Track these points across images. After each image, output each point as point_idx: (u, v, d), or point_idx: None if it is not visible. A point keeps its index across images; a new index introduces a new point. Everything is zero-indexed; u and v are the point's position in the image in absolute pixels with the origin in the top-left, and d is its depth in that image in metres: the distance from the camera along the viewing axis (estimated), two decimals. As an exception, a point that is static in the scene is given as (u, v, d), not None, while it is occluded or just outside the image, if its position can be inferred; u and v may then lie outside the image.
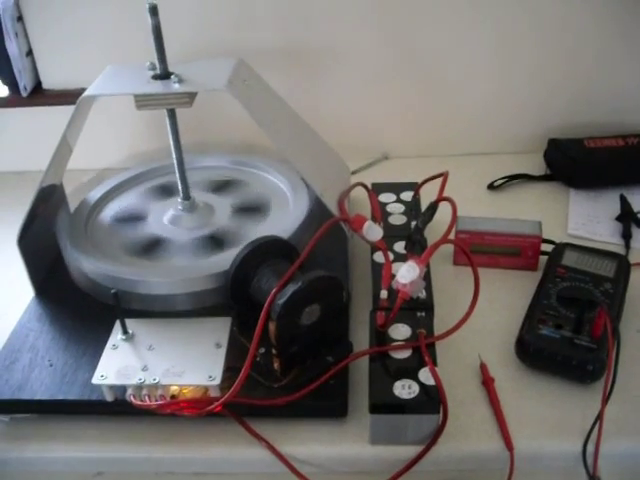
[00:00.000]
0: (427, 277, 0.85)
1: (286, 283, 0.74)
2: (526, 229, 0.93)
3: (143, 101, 0.80)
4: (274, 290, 0.73)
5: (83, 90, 1.16)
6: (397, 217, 0.95)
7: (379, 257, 0.88)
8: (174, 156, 0.88)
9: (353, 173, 1.13)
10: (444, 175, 0.87)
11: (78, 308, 0.88)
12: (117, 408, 0.76)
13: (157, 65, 0.82)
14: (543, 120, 1.20)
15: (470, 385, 0.79)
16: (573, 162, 1.10)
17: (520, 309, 0.87)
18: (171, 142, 0.87)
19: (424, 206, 0.95)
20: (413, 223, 0.92)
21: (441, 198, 0.84)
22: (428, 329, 0.77)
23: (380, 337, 0.77)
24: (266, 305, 0.72)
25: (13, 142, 1.26)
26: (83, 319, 0.86)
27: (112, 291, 0.75)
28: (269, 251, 0.79)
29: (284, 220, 0.90)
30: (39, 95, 1.17)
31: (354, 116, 1.20)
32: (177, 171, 0.89)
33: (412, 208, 0.96)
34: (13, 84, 1.15)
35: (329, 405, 0.75)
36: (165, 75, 0.81)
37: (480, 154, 1.22)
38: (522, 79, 1.17)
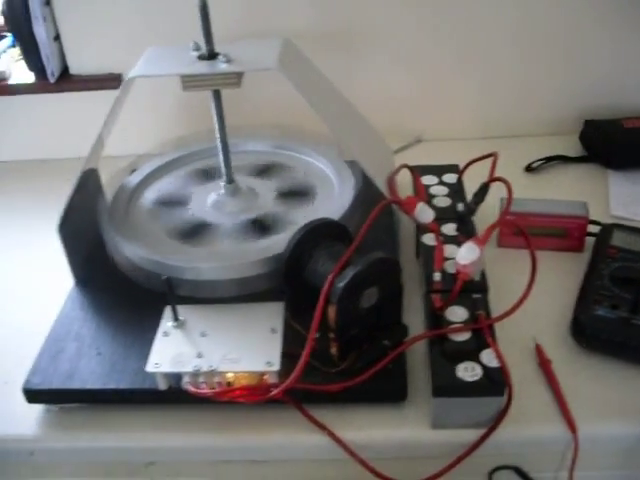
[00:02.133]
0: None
1: (344, 266, 0.72)
2: (572, 210, 0.92)
3: (190, 82, 0.78)
4: (333, 273, 0.71)
5: (112, 75, 1.15)
6: (441, 199, 0.93)
7: (428, 239, 0.86)
8: (218, 139, 0.86)
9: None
10: (494, 156, 0.86)
11: (121, 295, 0.86)
12: (171, 396, 0.74)
13: (201, 45, 0.80)
14: (577, 101, 1.18)
15: (526, 367, 0.78)
16: (612, 143, 1.09)
17: (569, 291, 0.86)
18: (215, 124, 0.85)
19: (467, 188, 0.94)
20: (459, 205, 0.91)
21: (493, 178, 0.83)
22: (486, 311, 0.76)
23: (437, 320, 0.76)
24: (325, 288, 0.71)
25: (39, 129, 1.24)
26: (127, 306, 0.84)
27: (164, 277, 0.73)
28: (323, 234, 0.78)
29: (331, 203, 0.88)
30: (66, 81, 1.14)
31: (387, 98, 1.18)
32: (221, 154, 0.87)
33: (456, 190, 0.94)
34: (40, 70, 1.12)
35: (389, 389, 0.74)
36: (212, 55, 0.79)
37: (513, 136, 1.20)
38: (556, 60, 1.15)
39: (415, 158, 1.09)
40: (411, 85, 1.19)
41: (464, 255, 0.74)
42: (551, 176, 1.10)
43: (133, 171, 1.01)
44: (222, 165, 0.88)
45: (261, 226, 0.87)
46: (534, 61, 1.16)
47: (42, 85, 1.13)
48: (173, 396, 0.74)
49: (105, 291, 0.87)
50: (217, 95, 0.83)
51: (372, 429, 0.73)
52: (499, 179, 0.81)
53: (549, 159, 1.11)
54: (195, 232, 0.87)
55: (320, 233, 0.78)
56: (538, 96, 1.19)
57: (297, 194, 0.93)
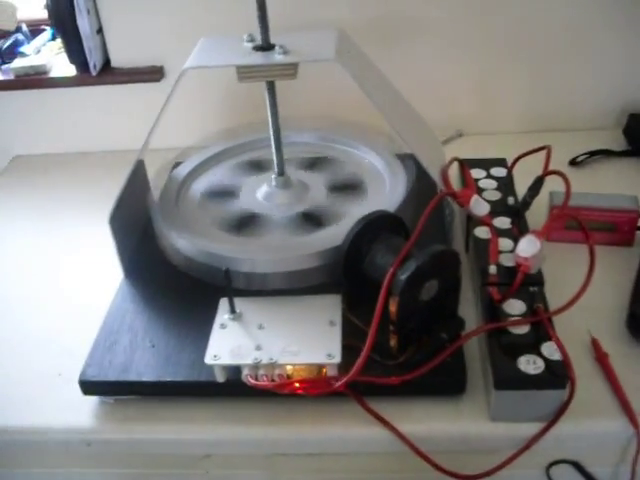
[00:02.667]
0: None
1: (404, 258, 0.72)
2: (623, 204, 0.91)
3: (246, 73, 0.77)
4: (394, 265, 0.71)
5: (154, 68, 1.15)
6: (491, 193, 0.93)
7: (480, 232, 0.86)
8: (271, 130, 0.86)
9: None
10: (547, 149, 0.85)
11: (171, 287, 0.86)
12: (228, 389, 0.74)
13: (256, 36, 0.80)
14: (621, 95, 1.17)
15: (583, 361, 0.77)
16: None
17: (620, 285, 0.85)
18: (269, 116, 0.85)
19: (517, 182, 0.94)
20: (510, 199, 0.91)
21: (549, 171, 0.82)
22: (543, 304, 0.76)
23: (494, 313, 0.76)
24: (387, 281, 0.70)
25: (80, 122, 1.24)
26: (178, 298, 0.84)
27: (224, 268, 0.73)
28: (380, 226, 0.77)
29: (383, 196, 0.88)
30: (108, 73, 1.14)
31: (429, 90, 1.17)
32: (273, 146, 0.87)
33: (505, 183, 0.94)
34: (81, 62, 1.12)
35: (448, 382, 0.74)
36: (268, 46, 0.79)
37: (555, 130, 1.20)
38: (600, 54, 1.15)
39: (458, 152, 1.09)
40: (453, 77, 1.18)
41: (525, 248, 0.73)
42: (595, 170, 1.09)
43: (177, 164, 1.00)
44: (274, 157, 0.88)
45: (313, 219, 0.87)
46: (578, 55, 1.15)
47: (83, 78, 1.13)
48: (230, 389, 0.74)
49: (155, 283, 0.87)
50: (271, 86, 0.83)
51: (431, 422, 0.73)
52: (555, 172, 0.80)
53: (593, 153, 1.10)
54: (246, 224, 0.87)
55: (378, 226, 0.77)
56: (581, 90, 1.18)
57: (348, 187, 0.92)
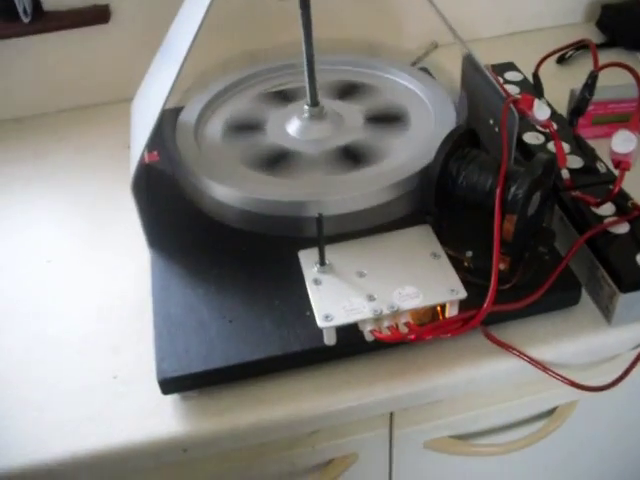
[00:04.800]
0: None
1: (506, 173, 0.65)
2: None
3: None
4: (500, 183, 0.64)
5: (97, 7, 0.96)
6: (519, 99, 0.88)
7: (530, 138, 0.82)
8: (304, 54, 0.73)
9: (412, 65, 1.04)
10: (590, 44, 0.81)
11: (218, 247, 0.74)
12: (339, 351, 0.65)
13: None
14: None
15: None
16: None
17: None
18: (302, 37, 0.73)
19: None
20: (542, 101, 0.87)
21: (608, 64, 0.78)
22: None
23: (585, 218, 0.72)
24: (498, 199, 0.64)
25: (16, 83, 1.01)
26: (230, 259, 0.73)
27: (318, 215, 0.62)
28: (462, 144, 0.70)
29: (427, 125, 0.79)
30: (42, 19, 0.93)
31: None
32: (306, 72, 0.75)
33: (528, 87, 0.89)
34: (6, 9, 0.90)
35: (564, 296, 0.69)
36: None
37: (524, 32, 1.17)
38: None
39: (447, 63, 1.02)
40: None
41: (621, 144, 0.69)
42: (583, 66, 1.07)
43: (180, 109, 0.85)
44: (307, 85, 0.76)
45: (352, 155, 0.77)
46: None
47: (12, 27, 0.92)
48: (342, 350, 0.65)
49: (195, 246, 0.74)
50: (305, 4, 0.71)
51: (553, 340, 0.68)
52: (618, 64, 0.77)
53: (577, 48, 1.08)
54: (277, 162, 0.76)
55: (460, 144, 0.70)
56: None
57: (388, 118, 0.82)
